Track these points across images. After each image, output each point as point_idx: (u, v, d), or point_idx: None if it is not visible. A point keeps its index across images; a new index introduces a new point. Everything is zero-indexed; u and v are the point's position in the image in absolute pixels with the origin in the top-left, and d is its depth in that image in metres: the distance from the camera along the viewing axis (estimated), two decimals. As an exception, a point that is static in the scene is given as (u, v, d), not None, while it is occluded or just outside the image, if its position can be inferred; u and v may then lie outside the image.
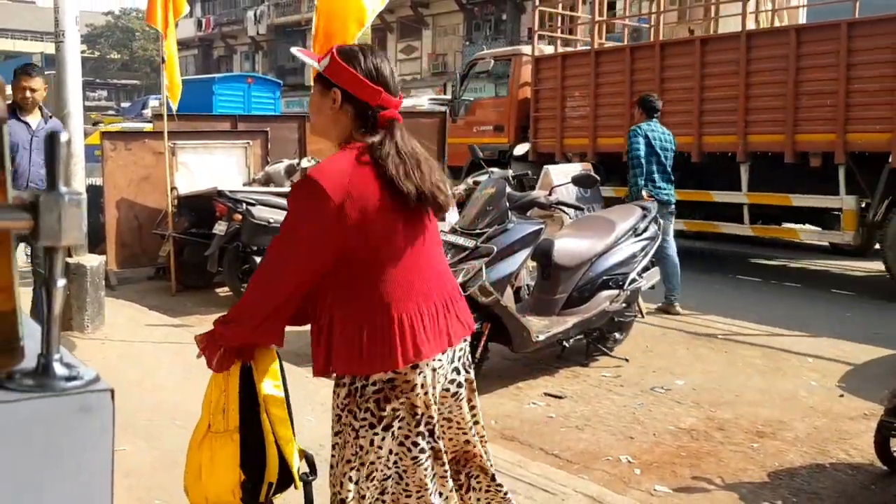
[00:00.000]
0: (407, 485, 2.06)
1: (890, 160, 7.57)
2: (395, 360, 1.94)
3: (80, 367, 0.71)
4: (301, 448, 2.15)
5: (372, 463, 2.00)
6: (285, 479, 2.10)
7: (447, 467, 2.11)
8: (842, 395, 4.89)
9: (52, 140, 0.66)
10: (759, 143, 8.57)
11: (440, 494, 2.09)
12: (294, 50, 2.17)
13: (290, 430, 2.11)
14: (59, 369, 0.70)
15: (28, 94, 5.29)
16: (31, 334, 0.73)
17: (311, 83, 6.11)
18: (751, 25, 9.19)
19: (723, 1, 9.22)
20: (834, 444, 4.13)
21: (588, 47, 10.49)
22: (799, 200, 8.44)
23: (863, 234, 8.08)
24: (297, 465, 2.11)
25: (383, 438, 1.99)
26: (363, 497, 2.01)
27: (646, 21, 12.33)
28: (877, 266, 8.42)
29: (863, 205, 8.01)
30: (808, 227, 9.13)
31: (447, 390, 2.11)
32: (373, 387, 1.98)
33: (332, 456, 2.06)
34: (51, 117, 5.50)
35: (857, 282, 8.55)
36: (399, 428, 2.02)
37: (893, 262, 7.66)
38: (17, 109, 5.25)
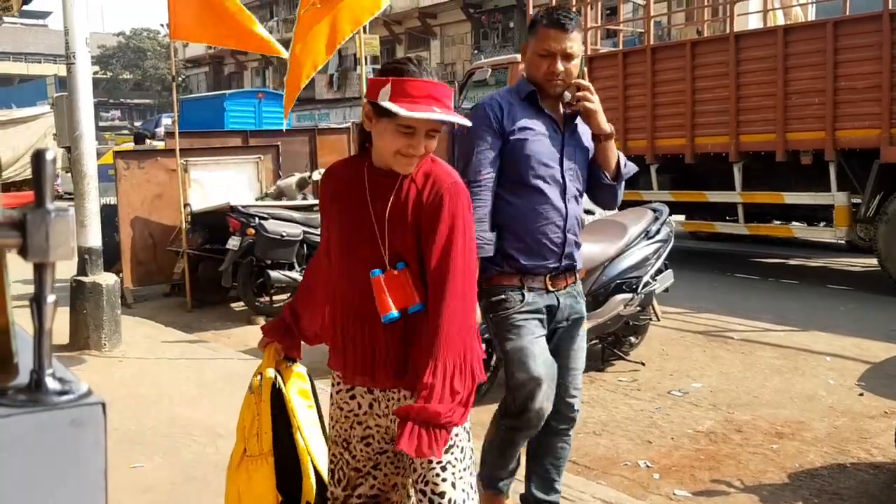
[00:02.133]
0: None
1: (879, 156, 7.62)
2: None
3: (73, 382, 0.72)
4: None
5: (472, 461, 2.01)
6: (324, 498, 2.10)
7: None
8: (861, 394, 4.84)
9: (37, 158, 0.67)
10: (751, 142, 8.65)
11: None
12: (445, 117, 1.85)
13: (325, 449, 2.12)
14: (51, 384, 0.71)
15: None
16: (25, 351, 0.74)
17: (294, 98, 6.11)
18: (759, 25, 9.20)
19: (731, 1, 9.21)
20: (854, 444, 4.08)
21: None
22: (792, 198, 8.53)
23: (860, 229, 8.08)
24: None
25: (472, 433, 2.04)
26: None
27: (659, 26, 12.32)
28: (865, 260, 8.47)
29: (854, 201, 8.05)
30: (802, 224, 9.16)
31: None
32: None
33: (444, 478, 1.90)
34: None
35: (864, 277, 8.47)
36: None
37: (886, 257, 7.66)
38: None
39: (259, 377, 2.13)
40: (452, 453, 1.91)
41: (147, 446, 3.91)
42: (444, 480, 1.89)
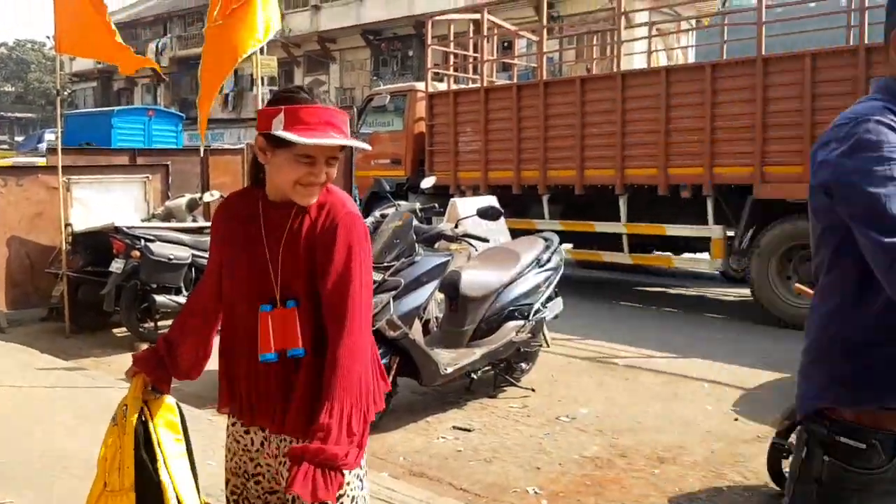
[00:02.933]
0: None
1: (752, 192, 8.11)
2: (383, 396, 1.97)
3: None
4: (206, 500, 2.08)
5: None
6: None
7: None
8: (736, 419, 5.08)
9: None
10: (635, 176, 9.06)
11: None
12: (343, 142, 1.82)
13: (193, 484, 2.05)
14: None
15: None
16: None
17: (208, 112, 6.02)
18: (643, 65, 9.64)
19: (617, 41, 9.62)
20: (730, 467, 4.28)
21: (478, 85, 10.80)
22: (672, 230, 8.96)
23: (737, 261, 8.55)
24: None
25: (367, 481, 2.00)
26: None
27: (556, 60, 12.71)
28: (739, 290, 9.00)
29: (729, 234, 8.52)
30: (682, 255, 9.63)
31: None
32: None
33: None
34: None
35: (738, 306, 8.94)
36: None
37: (758, 288, 8.14)
38: None
39: (124, 408, 2.05)
40: (342, 501, 1.83)
41: (18, 480, 3.68)
42: None
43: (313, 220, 1.86)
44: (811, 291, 3.85)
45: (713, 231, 8.49)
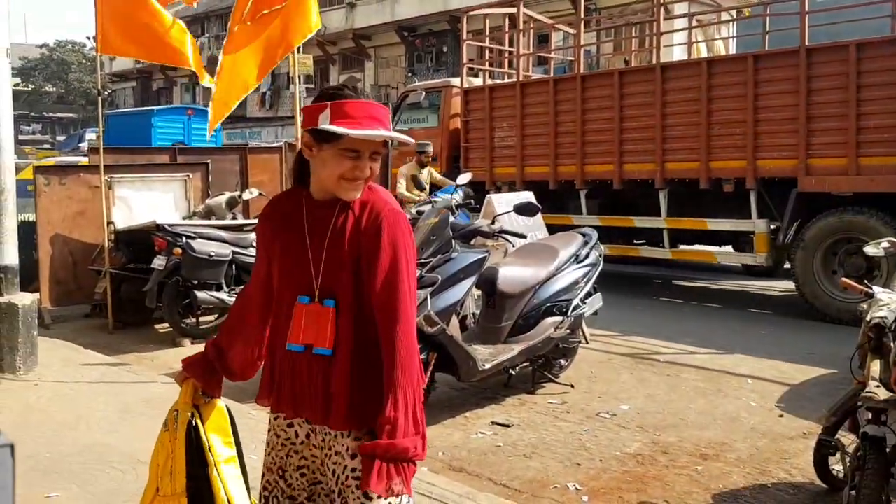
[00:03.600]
0: None
1: (797, 185, 7.94)
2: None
3: None
4: (254, 502, 2.08)
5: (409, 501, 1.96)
6: None
7: None
8: (781, 416, 4.98)
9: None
10: (676, 170, 8.93)
11: None
12: (390, 134, 1.84)
13: (244, 487, 2.05)
14: None
15: None
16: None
17: (222, 115, 6.01)
18: (683, 56, 9.50)
19: (657, 33, 9.49)
20: (775, 464, 4.20)
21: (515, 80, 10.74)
22: (714, 224, 8.82)
23: (774, 255, 8.41)
24: None
25: None
26: None
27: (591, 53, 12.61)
28: (784, 284, 8.87)
29: (773, 227, 8.37)
30: (723, 249, 9.51)
31: None
32: None
33: None
34: None
35: (782, 302, 8.78)
36: None
37: (803, 283, 7.98)
38: None
39: (175, 413, 2.06)
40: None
41: (62, 475, 3.74)
42: None
43: (357, 218, 1.86)
44: (857, 285, 3.76)
45: (757, 225, 8.34)
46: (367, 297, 1.84)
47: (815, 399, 5.17)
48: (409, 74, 29.69)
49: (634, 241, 9.97)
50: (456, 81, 11.57)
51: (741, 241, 9.16)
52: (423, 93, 11.83)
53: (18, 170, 8.92)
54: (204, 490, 2.01)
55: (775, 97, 8.06)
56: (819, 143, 7.79)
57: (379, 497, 1.79)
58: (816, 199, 7.95)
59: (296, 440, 1.97)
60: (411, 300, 1.83)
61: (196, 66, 6.85)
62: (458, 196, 6.83)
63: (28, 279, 7.00)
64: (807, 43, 7.80)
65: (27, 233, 7.43)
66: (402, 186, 9.55)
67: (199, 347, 2.09)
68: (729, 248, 9.46)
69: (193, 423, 2.04)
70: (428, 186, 9.16)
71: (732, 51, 10.66)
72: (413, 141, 1.94)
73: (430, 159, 9.83)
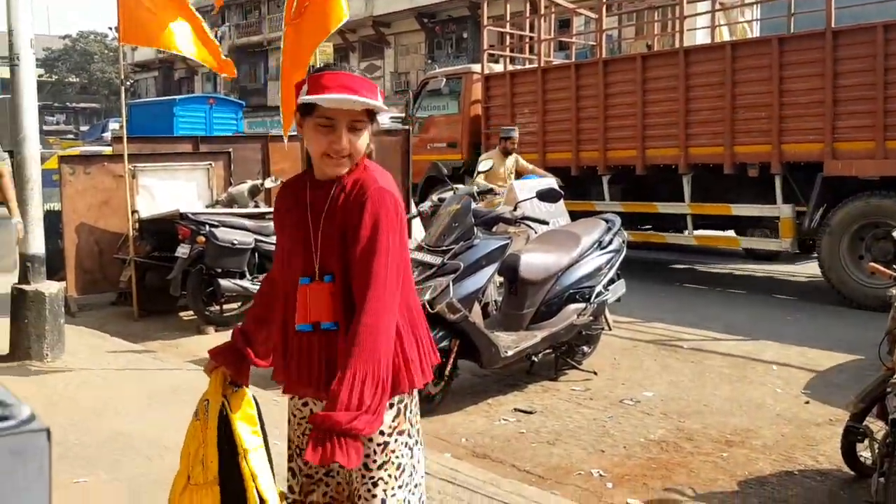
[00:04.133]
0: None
1: (823, 169, 7.84)
2: (430, 372, 1.98)
3: (15, 406, 0.66)
4: (282, 491, 2.10)
5: (422, 479, 1.99)
6: None
7: None
8: (807, 402, 4.94)
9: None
10: (700, 155, 8.83)
11: None
12: (353, 97, 1.81)
13: (271, 476, 2.06)
14: None
15: None
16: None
17: (286, 109, 6.10)
18: (706, 40, 9.39)
19: (679, 17, 9.38)
20: (801, 451, 4.16)
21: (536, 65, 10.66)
22: (739, 210, 8.73)
23: (798, 241, 8.36)
24: None
25: (421, 449, 2.00)
26: None
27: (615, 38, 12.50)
28: (813, 270, 8.82)
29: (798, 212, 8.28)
30: (748, 235, 9.41)
31: None
32: (415, 399, 1.97)
33: (375, 494, 1.89)
34: None
35: (807, 287, 8.68)
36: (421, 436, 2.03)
37: (829, 268, 7.88)
38: None
39: (206, 403, 2.08)
40: (386, 469, 1.88)
41: (90, 461, 3.79)
42: (374, 496, 1.88)
43: (346, 195, 1.89)
44: (885, 270, 3.70)
45: (782, 210, 8.25)
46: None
47: (842, 385, 5.12)
48: (429, 61, 29.62)
49: (639, 227, 9.90)
50: (476, 68, 11.51)
51: (754, 227, 9.10)
52: (444, 79, 11.78)
53: (43, 160, 9.01)
54: (235, 479, 2.03)
55: (801, 80, 7.95)
56: (845, 126, 7.68)
57: (379, 468, 1.87)
58: (843, 183, 7.84)
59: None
60: (388, 276, 1.81)
61: (215, 64, 6.88)
62: (547, 183, 7.00)
63: (54, 268, 7.08)
64: (833, 25, 7.67)
65: (53, 222, 7.51)
66: (480, 176, 8.64)
67: (223, 335, 2.10)
68: (741, 236, 9.41)
69: (223, 412, 2.05)
70: (513, 175, 8.57)
71: (756, 34, 10.52)
72: (385, 108, 1.89)
73: (515, 146, 8.78)
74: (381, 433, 1.88)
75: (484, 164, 7.38)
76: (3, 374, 5.24)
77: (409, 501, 1.93)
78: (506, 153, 8.67)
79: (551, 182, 7.22)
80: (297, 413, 2.05)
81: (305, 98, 1.82)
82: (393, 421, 1.91)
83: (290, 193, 2.02)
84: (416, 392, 1.99)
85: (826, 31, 7.69)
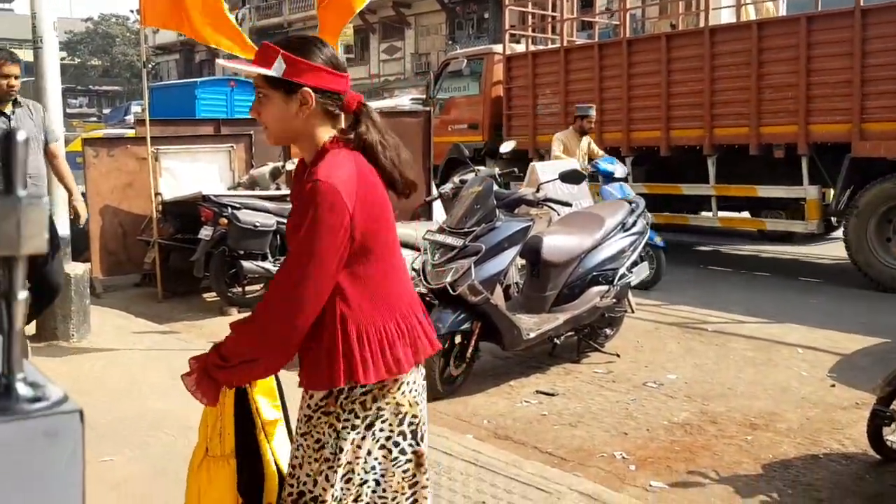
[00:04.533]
0: (384, 490, 1.96)
1: (850, 150, 7.72)
2: (401, 366, 1.90)
3: (47, 387, 0.65)
4: None
5: (349, 463, 1.91)
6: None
7: (429, 475, 2.03)
8: (833, 385, 4.89)
9: (7, 139, 0.61)
10: (725, 136, 8.74)
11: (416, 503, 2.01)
12: (222, 61, 2.05)
13: (289, 448, 2.06)
14: (22, 390, 0.65)
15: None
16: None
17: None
18: (731, 19, 9.26)
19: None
20: (827, 435, 4.12)
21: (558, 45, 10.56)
22: (765, 191, 8.65)
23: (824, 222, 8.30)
24: None
25: (363, 438, 1.91)
26: (339, 501, 1.91)
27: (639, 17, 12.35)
28: (836, 252, 8.77)
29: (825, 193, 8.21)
30: (763, 217, 9.36)
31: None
32: (362, 389, 1.90)
33: (296, 456, 1.94)
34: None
35: (834, 270, 8.58)
36: (380, 429, 1.93)
37: (856, 251, 7.78)
38: None
39: None
40: (305, 440, 1.92)
41: (117, 439, 3.83)
42: (294, 458, 1.95)
43: (303, 182, 1.89)
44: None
45: (808, 192, 8.15)
46: None
47: (867, 369, 5.06)
48: (450, 42, 29.46)
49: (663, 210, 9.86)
50: (498, 48, 11.43)
51: (770, 209, 9.08)
52: (465, 60, 11.71)
53: (67, 142, 9.07)
54: (251, 451, 2.04)
55: (828, 60, 7.82)
56: (874, 106, 7.55)
57: (300, 436, 1.94)
58: (871, 164, 7.72)
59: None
60: (298, 257, 1.80)
61: (237, 48, 6.88)
62: (621, 169, 6.96)
63: (79, 250, 7.14)
64: (862, 3, 7.52)
65: (77, 204, 7.56)
66: (557, 152, 8.02)
67: (246, 316, 2.10)
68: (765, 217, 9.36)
69: (242, 385, 2.05)
70: (587, 157, 8.11)
71: (782, 12, 10.34)
72: (244, 68, 1.91)
73: (592, 126, 8.23)
74: (308, 406, 1.93)
75: (506, 146, 7.32)
76: (30, 354, 5.30)
77: (326, 476, 1.89)
78: (581, 132, 8.10)
79: (574, 163, 7.17)
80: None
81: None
82: (321, 400, 1.90)
83: (296, 177, 2.07)
84: (375, 385, 1.91)
85: (855, 9, 7.54)
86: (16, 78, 4.84)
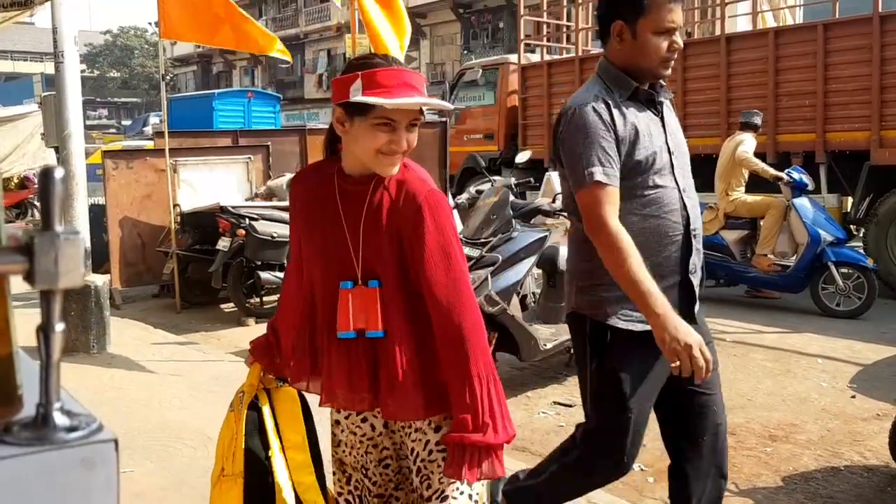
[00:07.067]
0: None
1: (869, 158, 7.67)
2: None
3: (84, 416, 0.67)
4: (332, 494, 2.07)
5: None
6: None
7: None
8: (853, 396, 4.85)
9: (45, 177, 0.63)
10: None
11: None
12: (426, 100, 1.74)
13: (311, 475, 2.02)
14: (59, 419, 0.66)
15: None
16: (30, 378, 0.70)
17: (322, 99, 6.26)
18: (748, 27, 9.23)
19: (721, 3, 9.23)
20: (848, 446, 4.09)
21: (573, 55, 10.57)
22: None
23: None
24: None
25: None
26: None
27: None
28: None
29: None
30: None
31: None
32: None
33: (461, 483, 1.83)
34: None
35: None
36: None
37: (876, 260, 7.70)
38: None
39: (241, 395, 2.07)
40: (451, 482, 1.84)
41: (137, 450, 3.86)
42: (461, 493, 1.83)
43: (394, 199, 1.77)
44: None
45: (827, 200, 8.09)
46: (413, 279, 1.77)
47: (889, 379, 5.02)
48: (465, 52, 29.54)
49: None
50: (513, 58, 11.46)
51: None
52: (480, 70, 11.76)
53: (87, 154, 9.18)
54: (260, 473, 2.00)
55: (847, 67, 7.78)
56: (893, 114, 7.50)
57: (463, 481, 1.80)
58: (890, 172, 7.66)
59: (373, 433, 1.93)
60: (468, 283, 1.77)
61: (264, 48, 6.94)
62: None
63: (99, 261, 7.22)
64: (881, 9, 7.48)
65: (97, 216, 7.65)
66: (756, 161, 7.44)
67: (263, 326, 2.09)
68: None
69: (258, 405, 2.04)
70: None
71: (799, 20, 10.32)
72: (450, 107, 1.91)
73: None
74: (437, 444, 1.85)
75: (521, 156, 7.33)
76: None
77: (485, 497, 1.92)
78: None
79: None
80: (358, 431, 1.94)
81: (366, 98, 1.65)
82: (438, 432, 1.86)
83: (311, 186, 1.88)
84: None
85: (873, 15, 7.50)
86: None
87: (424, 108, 1.78)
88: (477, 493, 1.88)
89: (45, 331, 0.65)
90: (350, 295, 1.79)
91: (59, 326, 0.66)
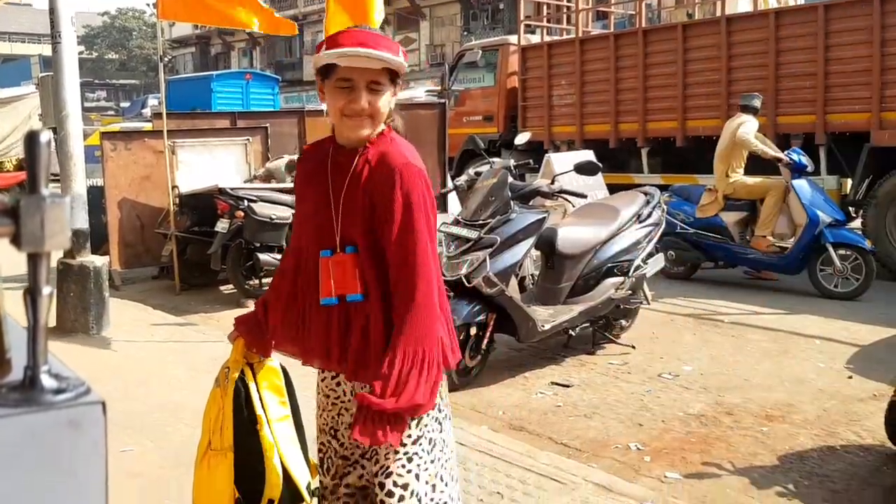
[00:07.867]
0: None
1: (869, 139, 7.65)
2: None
3: (71, 379, 0.67)
4: (315, 463, 2.10)
5: (452, 453, 1.96)
6: (294, 495, 2.04)
7: None
8: (850, 377, 4.86)
9: (31, 140, 0.63)
10: None
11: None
12: (370, 52, 1.74)
13: (298, 447, 2.07)
14: (46, 381, 0.67)
15: None
16: (18, 345, 0.70)
17: (312, 77, 6.18)
18: (748, 8, 9.18)
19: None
20: (844, 426, 4.11)
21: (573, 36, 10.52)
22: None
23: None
24: (308, 480, 2.07)
25: (450, 425, 1.97)
26: (453, 499, 1.92)
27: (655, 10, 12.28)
28: None
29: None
30: None
31: None
32: (445, 373, 1.89)
33: (409, 470, 1.85)
34: None
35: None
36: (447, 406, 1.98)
37: (875, 241, 7.71)
38: None
39: (226, 370, 2.08)
40: (420, 444, 1.85)
41: (136, 430, 3.88)
42: (408, 472, 1.85)
43: (373, 168, 1.83)
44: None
45: (826, 181, 8.08)
46: (383, 248, 1.82)
47: (885, 360, 5.04)
48: (465, 33, 29.39)
49: None
50: (513, 39, 11.41)
51: None
52: (480, 51, 11.70)
53: (86, 136, 9.15)
54: (249, 447, 2.03)
55: (847, 48, 7.76)
56: (894, 95, 7.47)
57: (413, 444, 1.84)
58: (890, 154, 7.64)
59: (345, 398, 1.98)
60: (426, 256, 1.79)
61: (265, 26, 6.88)
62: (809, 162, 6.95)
63: (98, 242, 7.21)
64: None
65: (96, 197, 7.62)
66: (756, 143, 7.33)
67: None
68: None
69: (244, 380, 2.06)
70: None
71: (800, 1, 10.26)
72: (403, 62, 1.80)
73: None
74: None
75: (521, 137, 7.31)
76: (50, 346, 5.37)
77: (440, 476, 1.90)
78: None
79: (589, 154, 7.15)
80: (331, 393, 2.00)
81: (317, 57, 1.77)
82: None
83: (313, 157, 1.96)
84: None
85: (874, -4, 7.46)
86: None
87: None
88: (427, 473, 1.88)
89: (32, 294, 0.65)
90: (329, 262, 1.86)
91: (47, 290, 0.66)
